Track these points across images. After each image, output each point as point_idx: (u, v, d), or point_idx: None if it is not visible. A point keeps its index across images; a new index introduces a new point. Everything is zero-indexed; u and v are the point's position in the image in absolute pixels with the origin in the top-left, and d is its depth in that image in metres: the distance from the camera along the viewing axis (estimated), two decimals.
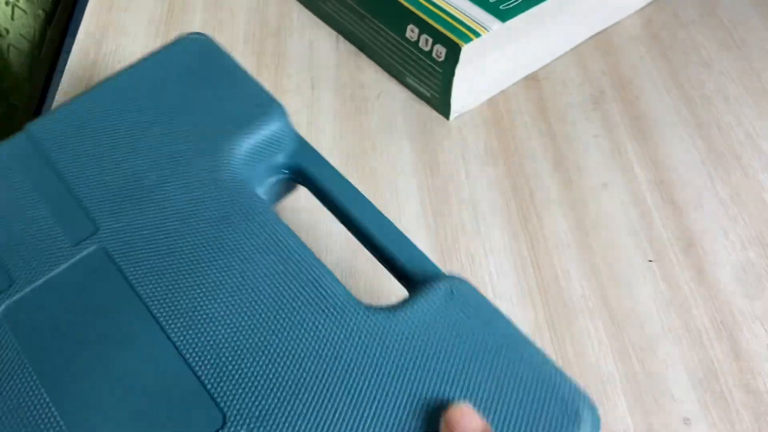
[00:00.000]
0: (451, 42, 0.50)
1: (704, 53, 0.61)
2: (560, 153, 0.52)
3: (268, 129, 0.38)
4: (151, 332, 0.31)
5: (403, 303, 0.33)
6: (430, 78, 0.53)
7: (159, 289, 0.32)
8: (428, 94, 0.54)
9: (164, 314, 0.31)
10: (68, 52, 0.61)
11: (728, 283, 0.46)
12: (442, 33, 0.50)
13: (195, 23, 0.63)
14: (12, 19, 0.67)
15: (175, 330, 0.31)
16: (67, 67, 0.59)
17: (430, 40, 0.51)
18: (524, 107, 0.56)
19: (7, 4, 0.67)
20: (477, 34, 0.50)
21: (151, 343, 0.31)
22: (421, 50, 0.52)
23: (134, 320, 0.31)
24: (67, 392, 0.30)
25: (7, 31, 0.67)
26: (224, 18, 0.63)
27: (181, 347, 0.30)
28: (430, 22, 0.51)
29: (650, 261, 0.47)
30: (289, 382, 0.30)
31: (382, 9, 0.54)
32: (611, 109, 0.56)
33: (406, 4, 0.52)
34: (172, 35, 0.61)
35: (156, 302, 0.31)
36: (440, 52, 0.51)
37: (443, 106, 0.53)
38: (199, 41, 0.42)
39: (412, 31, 0.52)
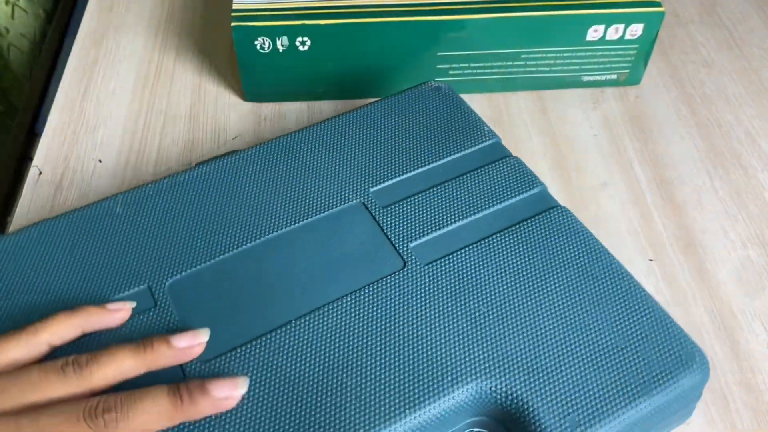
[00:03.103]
0: (647, 14, 0.52)
1: (704, 53, 0.61)
2: (560, 153, 0.52)
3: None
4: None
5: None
6: (621, 60, 0.55)
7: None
8: (615, 77, 0.56)
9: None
10: (68, 52, 0.61)
11: (728, 282, 0.46)
12: (633, 12, 0.52)
13: (195, 23, 0.63)
14: (12, 18, 0.67)
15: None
16: (67, 67, 0.59)
17: (621, 27, 0.53)
18: (524, 107, 0.56)
19: (7, 3, 0.67)
20: None
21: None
22: (609, 42, 0.54)
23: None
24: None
25: (8, 31, 0.67)
26: (224, 18, 0.63)
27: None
28: (613, 10, 0.52)
29: (650, 260, 0.46)
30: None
31: (557, 38, 0.54)
32: (611, 109, 0.56)
33: (586, 11, 0.52)
34: (172, 35, 0.61)
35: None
36: (635, 29, 0.53)
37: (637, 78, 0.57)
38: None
39: (595, 31, 0.53)
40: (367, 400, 0.32)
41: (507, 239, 0.39)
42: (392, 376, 0.33)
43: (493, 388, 0.33)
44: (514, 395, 0.33)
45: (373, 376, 0.33)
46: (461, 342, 0.34)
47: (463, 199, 0.41)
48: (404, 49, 0.52)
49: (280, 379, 0.33)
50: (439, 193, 0.41)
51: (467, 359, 0.34)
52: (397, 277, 0.37)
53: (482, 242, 0.39)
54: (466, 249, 0.38)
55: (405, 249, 0.38)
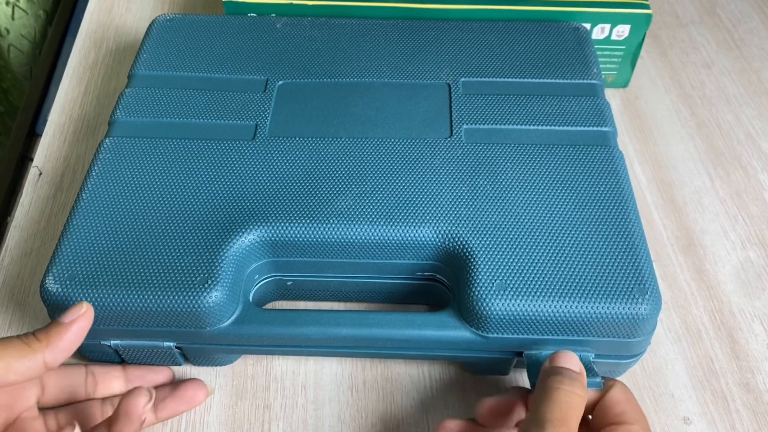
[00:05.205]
0: (634, 15, 0.52)
1: (704, 53, 0.61)
2: None
3: None
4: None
5: None
6: (607, 61, 0.55)
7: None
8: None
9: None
10: (68, 52, 0.61)
11: (728, 283, 0.46)
12: (619, 13, 0.52)
13: None
14: (13, 19, 0.68)
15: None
16: (67, 67, 0.59)
17: (608, 27, 0.53)
18: None
19: (7, 4, 0.67)
20: None
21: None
22: (594, 42, 0.53)
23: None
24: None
25: (8, 31, 0.67)
26: None
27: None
28: (599, 10, 0.52)
29: None
30: None
31: None
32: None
33: (570, 8, 0.52)
34: None
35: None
36: (622, 30, 0.53)
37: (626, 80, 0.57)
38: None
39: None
40: (359, 203, 0.40)
41: (548, 152, 0.43)
42: (386, 198, 0.40)
43: (455, 233, 0.39)
44: (468, 247, 0.38)
45: (372, 191, 0.41)
46: (453, 198, 0.40)
47: (533, 110, 0.45)
48: None
49: (313, 166, 0.42)
50: (516, 100, 0.46)
51: (449, 209, 0.40)
52: (436, 142, 0.43)
53: (525, 146, 0.43)
54: (509, 145, 0.43)
55: (458, 127, 0.44)
